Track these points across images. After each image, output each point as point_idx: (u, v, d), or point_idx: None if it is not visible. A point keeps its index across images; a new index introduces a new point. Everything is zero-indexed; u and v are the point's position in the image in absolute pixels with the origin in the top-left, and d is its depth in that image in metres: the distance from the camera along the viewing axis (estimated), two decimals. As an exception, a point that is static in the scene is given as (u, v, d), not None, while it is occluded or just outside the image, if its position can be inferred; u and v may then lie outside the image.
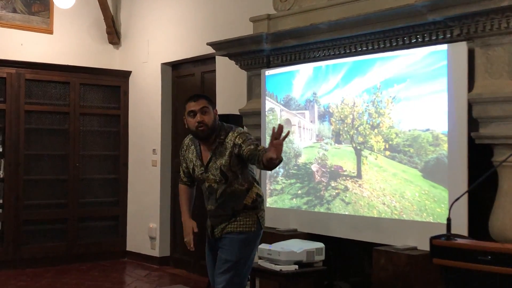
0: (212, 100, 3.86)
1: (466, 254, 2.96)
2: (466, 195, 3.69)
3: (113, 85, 8.01)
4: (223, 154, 3.74)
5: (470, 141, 4.00)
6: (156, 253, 7.52)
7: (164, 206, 7.52)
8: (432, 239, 3.13)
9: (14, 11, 7.53)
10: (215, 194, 3.80)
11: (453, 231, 3.26)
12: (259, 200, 3.84)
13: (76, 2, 7.44)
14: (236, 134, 3.74)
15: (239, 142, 3.70)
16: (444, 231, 3.20)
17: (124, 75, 8.03)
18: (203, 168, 3.81)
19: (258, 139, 5.20)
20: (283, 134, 3.43)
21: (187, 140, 3.99)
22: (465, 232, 3.79)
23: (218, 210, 3.82)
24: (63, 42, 7.86)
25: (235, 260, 3.73)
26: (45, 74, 7.50)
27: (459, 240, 3.07)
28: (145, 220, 7.66)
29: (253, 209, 3.81)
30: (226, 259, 3.74)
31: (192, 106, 3.77)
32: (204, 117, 3.72)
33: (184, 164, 3.98)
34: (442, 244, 3.06)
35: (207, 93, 6.83)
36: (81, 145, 7.72)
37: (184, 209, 4.02)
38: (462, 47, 4.04)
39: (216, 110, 3.83)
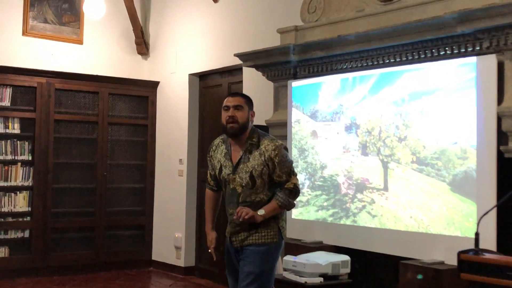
0: (251, 101, 3.85)
1: (494, 270, 2.91)
2: (494, 210, 3.64)
3: (141, 95, 8.08)
4: (256, 159, 3.69)
5: (499, 154, 3.95)
6: (181, 262, 7.54)
7: (190, 216, 7.54)
8: (460, 253, 3.08)
9: (45, 21, 7.65)
10: (238, 198, 3.74)
11: (481, 246, 3.21)
12: (298, 191, 3.78)
13: (106, 13, 7.55)
14: (273, 147, 3.69)
15: (275, 160, 3.67)
16: (472, 246, 3.15)
17: (152, 86, 8.10)
18: (231, 168, 3.75)
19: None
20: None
21: (217, 140, 3.95)
22: (493, 247, 3.73)
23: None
24: (93, 52, 7.96)
25: (258, 272, 3.68)
26: (75, 84, 7.60)
27: (488, 255, 3.02)
28: (171, 230, 7.69)
29: (274, 219, 3.75)
30: (249, 272, 3.69)
31: (228, 101, 3.79)
32: (236, 113, 3.71)
33: (211, 166, 3.94)
34: (470, 259, 3.02)
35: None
36: (109, 154, 7.80)
37: (208, 219, 4.00)
38: (491, 60, 4.00)
39: (254, 112, 3.81)
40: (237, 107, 3.73)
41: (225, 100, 3.82)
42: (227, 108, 3.76)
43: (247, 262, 3.72)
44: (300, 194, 5.23)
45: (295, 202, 3.76)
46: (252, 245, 3.72)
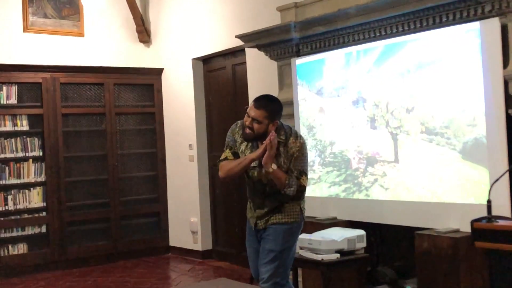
0: (275, 111, 3.75)
1: (509, 236, 2.90)
2: (507, 175, 3.61)
3: (146, 83, 8.07)
4: (284, 155, 3.73)
5: (508, 118, 3.91)
6: (198, 247, 7.58)
7: (204, 200, 7.57)
8: (473, 222, 3.07)
9: (45, 16, 7.63)
10: (264, 188, 3.82)
11: (495, 212, 3.20)
12: (302, 191, 3.83)
13: (105, 3, 7.51)
14: (298, 145, 3.75)
15: (295, 155, 3.73)
16: (486, 212, 3.14)
17: (157, 73, 8.08)
18: (257, 162, 3.76)
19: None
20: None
21: (240, 123, 3.90)
22: (508, 213, 3.72)
23: (265, 203, 3.84)
24: (95, 44, 7.94)
25: (279, 250, 3.76)
26: (79, 77, 7.60)
27: (501, 222, 3.01)
28: (186, 215, 7.72)
29: (297, 200, 3.82)
30: (270, 249, 3.77)
31: (251, 109, 3.75)
32: (254, 125, 3.71)
33: (235, 148, 3.88)
34: (484, 227, 3.01)
35: (239, 86, 6.88)
36: (118, 144, 7.82)
37: (239, 160, 3.84)
38: (494, 23, 3.95)
39: (277, 122, 3.74)
40: (255, 120, 3.71)
41: (250, 105, 3.78)
42: (248, 115, 3.74)
43: (269, 240, 3.80)
44: (312, 171, 5.29)
45: (294, 194, 3.74)
46: (276, 224, 3.80)
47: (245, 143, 3.84)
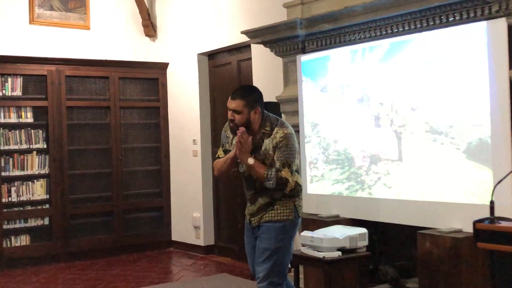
0: (253, 98, 3.77)
1: (510, 238, 2.89)
2: (511, 176, 3.59)
3: (151, 77, 8.07)
4: (268, 146, 3.73)
5: (514, 119, 3.90)
6: (201, 242, 7.59)
7: (207, 195, 7.57)
8: (475, 222, 3.06)
9: (51, 9, 7.63)
10: (255, 183, 3.81)
11: (499, 214, 3.18)
12: (298, 189, 3.82)
13: (111, -4, 7.50)
14: (282, 134, 3.72)
15: (278, 145, 3.70)
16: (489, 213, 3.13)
17: (162, 67, 8.08)
18: None
19: (296, 126, 5.16)
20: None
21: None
22: (511, 215, 3.70)
23: (256, 197, 3.84)
24: (101, 37, 7.95)
25: (273, 249, 3.75)
26: (84, 70, 7.60)
27: (503, 223, 3.00)
28: (189, 210, 7.73)
29: (291, 197, 3.79)
30: (264, 248, 3.77)
31: (229, 102, 3.79)
32: (235, 116, 3.75)
33: (226, 145, 3.96)
34: (486, 228, 2.99)
35: (244, 82, 6.86)
36: (122, 138, 7.82)
37: (224, 159, 3.88)
38: (501, 23, 3.93)
39: (258, 109, 3.75)
40: (235, 111, 3.75)
41: (229, 98, 3.81)
42: (229, 109, 3.78)
43: (263, 238, 3.80)
44: (315, 169, 5.28)
45: (276, 187, 3.69)
46: (269, 222, 3.78)
47: (236, 138, 3.83)
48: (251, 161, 3.68)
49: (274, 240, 3.75)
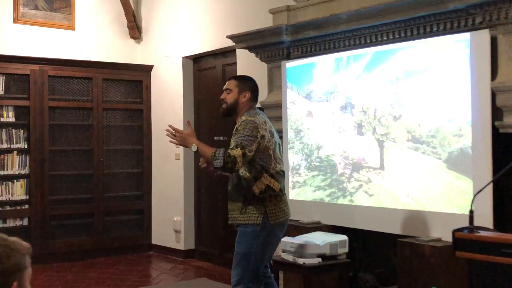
0: (246, 83, 3.99)
1: (489, 247, 2.91)
2: (490, 186, 3.63)
3: (135, 79, 8.04)
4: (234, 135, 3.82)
5: (494, 130, 3.94)
6: (181, 246, 7.56)
7: (188, 200, 7.55)
8: (454, 231, 3.08)
9: (36, 8, 7.58)
10: (232, 175, 3.91)
11: (478, 223, 3.21)
12: (269, 193, 3.80)
13: (97, -3, 7.46)
14: (243, 119, 3.81)
15: (238, 130, 3.77)
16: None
17: (146, 70, 8.06)
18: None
19: (280, 132, 5.17)
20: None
21: None
22: (490, 224, 3.73)
23: (233, 193, 3.90)
24: (85, 38, 7.91)
25: (243, 253, 3.79)
26: (68, 70, 7.56)
27: (482, 233, 3.02)
28: (170, 214, 7.70)
29: (262, 202, 3.79)
30: (236, 252, 3.85)
31: (225, 85, 4.00)
32: (225, 95, 3.93)
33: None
34: (464, 237, 3.02)
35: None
36: (104, 140, 7.78)
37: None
38: (484, 35, 3.97)
39: (248, 93, 3.93)
40: (226, 90, 3.95)
41: None
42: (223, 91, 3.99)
43: (237, 242, 3.88)
44: (297, 175, 5.29)
45: (224, 166, 3.62)
46: (241, 226, 3.85)
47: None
48: (194, 148, 3.72)
49: (245, 245, 3.79)
